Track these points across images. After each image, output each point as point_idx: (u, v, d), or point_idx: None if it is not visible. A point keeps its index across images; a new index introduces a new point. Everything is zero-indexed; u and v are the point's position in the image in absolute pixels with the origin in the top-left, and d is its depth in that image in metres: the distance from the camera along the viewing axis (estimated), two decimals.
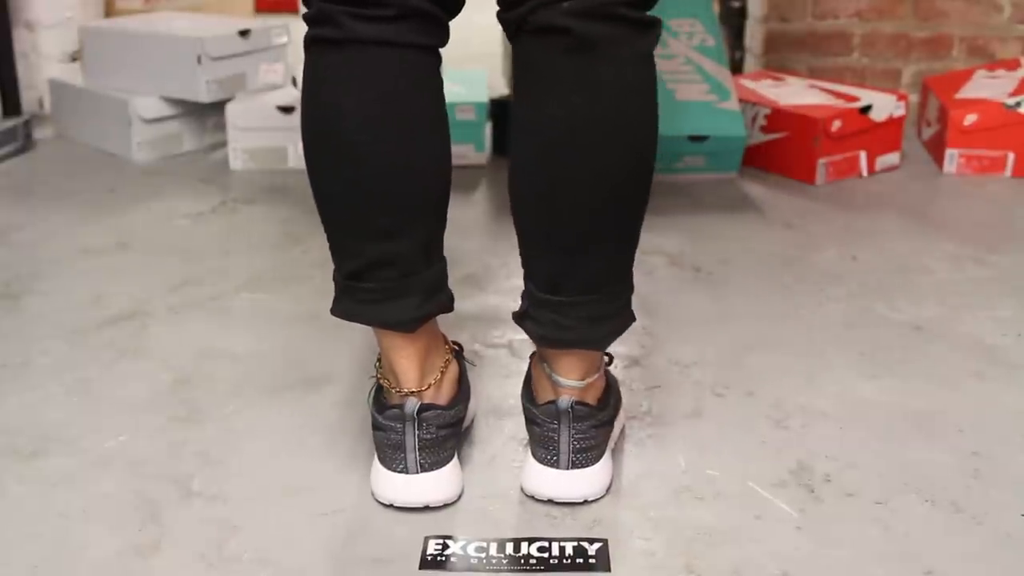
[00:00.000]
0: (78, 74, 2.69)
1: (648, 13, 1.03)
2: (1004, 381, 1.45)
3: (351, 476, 1.22)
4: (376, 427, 1.15)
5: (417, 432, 1.12)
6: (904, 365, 1.50)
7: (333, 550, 1.09)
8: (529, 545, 1.09)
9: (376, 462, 1.16)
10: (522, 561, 1.07)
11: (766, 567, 1.07)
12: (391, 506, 1.15)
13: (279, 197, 2.24)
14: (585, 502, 1.16)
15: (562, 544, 1.09)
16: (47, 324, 1.62)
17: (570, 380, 1.15)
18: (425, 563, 1.07)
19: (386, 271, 1.10)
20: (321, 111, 1.06)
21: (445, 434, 1.15)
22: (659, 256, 1.91)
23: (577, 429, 1.14)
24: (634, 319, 1.18)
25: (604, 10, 0.99)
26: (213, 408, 1.38)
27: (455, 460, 1.18)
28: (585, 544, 1.09)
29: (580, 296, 1.10)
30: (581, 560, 1.07)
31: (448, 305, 1.16)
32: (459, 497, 1.17)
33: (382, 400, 1.17)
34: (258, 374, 1.46)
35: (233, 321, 1.64)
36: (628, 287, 1.16)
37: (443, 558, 1.07)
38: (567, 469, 1.14)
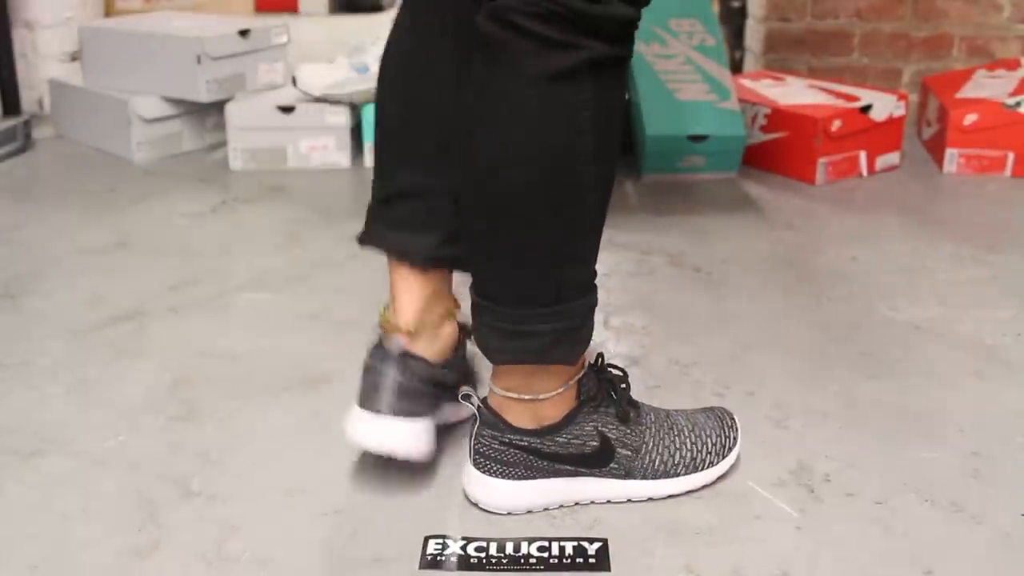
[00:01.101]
0: (78, 74, 2.69)
1: (563, 35, 0.96)
2: (1004, 381, 1.45)
3: (351, 476, 1.22)
4: (363, 369, 1.17)
5: (397, 375, 1.14)
6: (904, 365, 1.50)
7: (333, 550, 1.09)
8: (529, 545, 1.09)
9: (354, 404, 1.17)
10: (522, 561, 1.07)
11: (766, 567, 1.07)
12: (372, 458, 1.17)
13: (279, 197, 2.24)
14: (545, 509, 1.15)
15: (562, 544, 1.09)
16: (46, 324, 1.62)
17: (494, 383, 1.13)
18: (425, 563, 1.07)
19: (413, 202, 1.16)
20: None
21: (426, 389, 1.16)
22: (659, 256, 1.91)
23: (477, 431, 1.13)
24: (560, 361, 1.08)
25: (506, 16, 0.97)
26: (213, 408, 1.37)
27: (430, 422, 1.18)
28: (585, 544, 1.09)
29: (480, 299, 1.09)
30: (581, 560, 1.07)
31: (465, 264, 1.15)
32: (424, 459, 1.18)
33: (374, 343, 1.19)
34: (258, 374, 1.46)
35: (233, 321, 1.64)
36: (531, 314, 1.06)
37: (443, 558, 1.07)
38: (471, 466, 1.15)
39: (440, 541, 1.09)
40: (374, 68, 2.49)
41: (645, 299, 1.72)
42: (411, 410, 1.15)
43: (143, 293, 1.73)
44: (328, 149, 2.44)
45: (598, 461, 1.14)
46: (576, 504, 1.16)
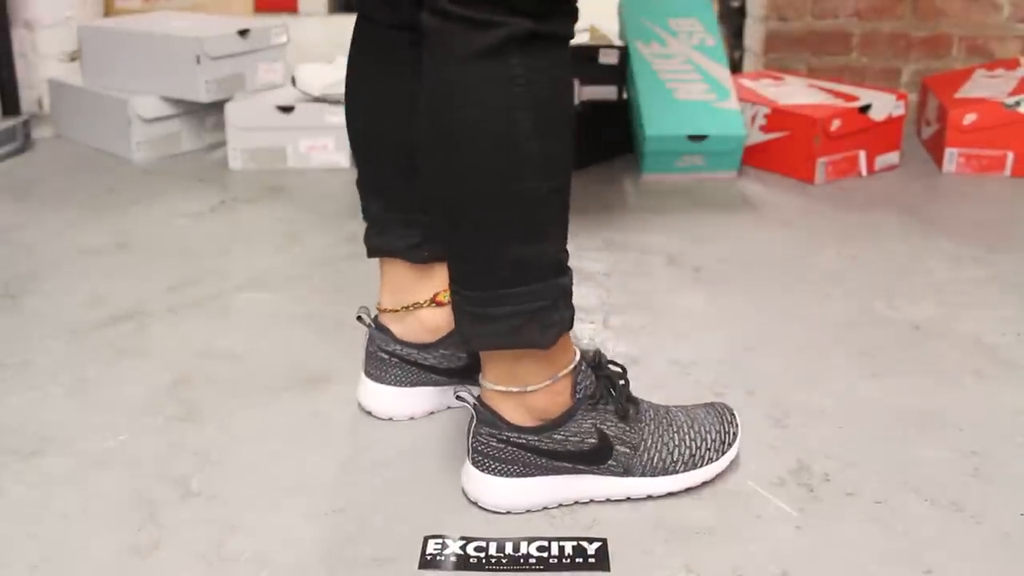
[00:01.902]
0: (77, 74, 2.69)
1: (481, 14, 0.99)
2: (1003, 380, 1.45)
3: (351, 476, 1.22)
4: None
5: (366, 342, 1.32)
6: (903, 364, 1.50)
7: (332, 550, 1.09)
8: (528, 545, 1.09)
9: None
10: (521, 561, 1.07)
11: (766, 566, 1.07)
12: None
13: (278, 197, 2.24)
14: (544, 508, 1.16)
15: (561, 543, 1.09)
16: (46, 324, 1.62)
17: (482, 377, 1.15)
18: (424, 563, 1.07)
19: (392, 214, 1.27)
20: None
21: (390, 360, 1.30)
22: (658, 255, 1.90)
23: (475, 429, 1.14)
24: (531, 345, 1.08)
25: (437, 5, 1.01)
26: (212, 408, 1.37)
27: (401, 389, 1.31)
28: (584, 544, 1.09)
29: (451, 284, 1.11)
30: (580, 560, 1.07)
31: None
32: (392, 419, 1.32)
33: None
34: (258, 374, 1.46)
35: (232, 321, 1.64)
36: (495, 296, 1.07)
37: (442, 558, 1.07)
38: (470, 465, 1.16)
39: (439, 541, 1.09)
40: None
41: (644, 299, 1.72)
42: (376, 375, 1.32)
43: (143, 293, 1.73)
44: (328, 149, 2.44)
45: (597, 458, 1.15)
46: (575, 503, 1.16)
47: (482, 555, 1.08)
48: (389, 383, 1.32)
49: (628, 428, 1.15)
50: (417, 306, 1.29)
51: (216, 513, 1.15)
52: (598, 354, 1.16)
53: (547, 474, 1.14)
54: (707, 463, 1.18)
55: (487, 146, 1.02)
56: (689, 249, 1.93)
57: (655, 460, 1.16)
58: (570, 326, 1.11)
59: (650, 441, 1.16)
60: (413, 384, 1.32)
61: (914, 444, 1.29)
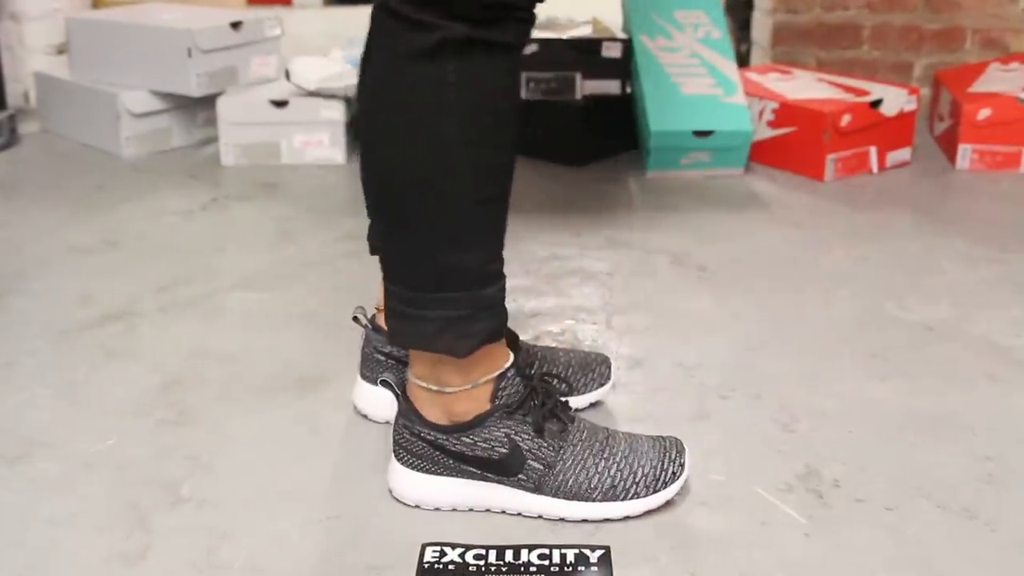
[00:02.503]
0: (65, 67, 2.69)
1: (421, 15, 1.00)
2: (1018, 383, 1.45)
3: (346, 481, 1.22)
4: None
5: (363, 344, 1.33)
6: (915, 366, 1.50)
7: (327, 558, 1.09)
8: (529, 552, 1.09)
9: None
10: (522, 569, 1.07)
11: (773, 575, 1.07)
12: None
13: (272, 194, 2.24)
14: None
15: (563, 551, 1.09)
16: (33, 324, 1.62)
17: (408, 369, 1.17)
18: (422, 571, 1.07)
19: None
20: None
21: (386, 362, 1.31)
22: (662, 255, 1.90)
23: (395, 419, 1.17)
24: (446, 351, 1.10)
25: (387, 1, 1.03)
26: (204, 411, 1.37)
27: (380, 389, 1.28)
28: (587, 551, 1.09)
29: (384, 280, 1.13)
30: (583, 568, 1.07)
31: None
32: (388, 422, 1.30)
33: None
34: (251, 376, 1.46)
35: (225, 321, 1.64)
36: (419, 298, 1.09)
37: (440, 566, 1.07)
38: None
39: (437, 548, 1.09)
40: None
41: (648, 299, 1.72)
42: (372, 377, 1.32)
43: (132, 293, 1.73)
44: (322, 144, 2.44)
45: (505, 469, 1.14)
46: (488, 510, 1.16)
47: (481, 563, 1.08)
48: (377, 386, 1.32)
49: (545, 444, 1.14)
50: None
51: (207, 519, 1.15)
52: (532, 365, 1.18)
53: (456, 476, 1.16)
54: (630, 497, 1.15)
55: (414, 150, 1.05)
56: (694, 248, 1.93)
57: (570, 482, 1.14)
58: (495, 338, 1.12)
59: (569, 462, 1.15)
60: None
61: (926, 449, 1.29)
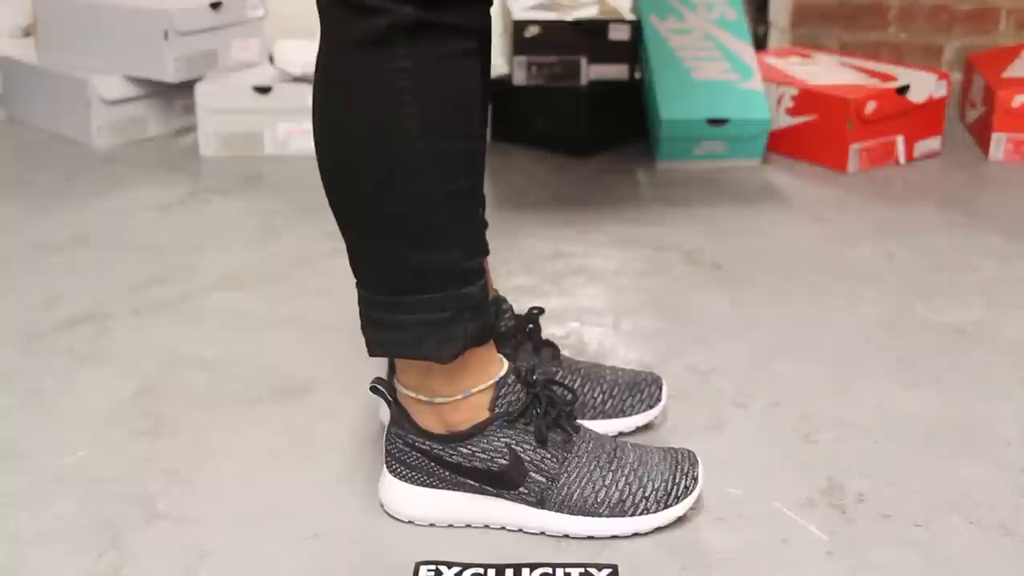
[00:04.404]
0: (32, 50, 2.69)
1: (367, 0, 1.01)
2: None
3: (335, 496, 1.22)
4: None
5: None
6: (946, 372, 1.50)
7: None
8: (531, 571, 1.09)
9: None
10: None
11: None
12: None
13: (255, 187, 2.25)
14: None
15: (567, 571, 1.09)
16: None
17: (396, 378, 1.17)
18: None
19: None
20: None
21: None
22: (674, 252, 1.91)
23: (388, 427, 1.17)
24: (431, 357, 1.10)
25: None
26: (181, 421, 1.38)
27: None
28: (593, 571, 1.09)
29: (357, 287, 1.13)
30: None
31: None
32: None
33: None
34: (231, 383, 1.47)
35: (204, 324, 1.64)
36: (396, 303, 1.10)
37: None
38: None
39: (433, 568, 1.09)
40: None
41: (659, 300, 1.72)
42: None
43: (104, 293, 1.73)
44: (308, 134, 2.43)
45: (506, 482, 1.14)
46: (487, 527, 1.16)
47: None
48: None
49: (548, 455, 1.14)
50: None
51: (185, 537, 1.15)
52: (534, 371, 1.17)
53: (452, 489, 1.16)
54: (639, 513, 1.14)
55: (372, 143, 1.05)
56: (708, 245, 1.93)
57: (575, 496, 1.14)
58: (481, 341, 1.12)
59: (574, 475, 1.15)
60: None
61: (957, 461, 1.29)
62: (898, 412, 1.40)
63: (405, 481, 1.16)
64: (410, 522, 1.17)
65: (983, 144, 2.46)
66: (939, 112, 2.42)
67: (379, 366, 1.47)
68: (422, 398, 1.14)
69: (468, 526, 1.16)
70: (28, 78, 2.61)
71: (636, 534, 1.14)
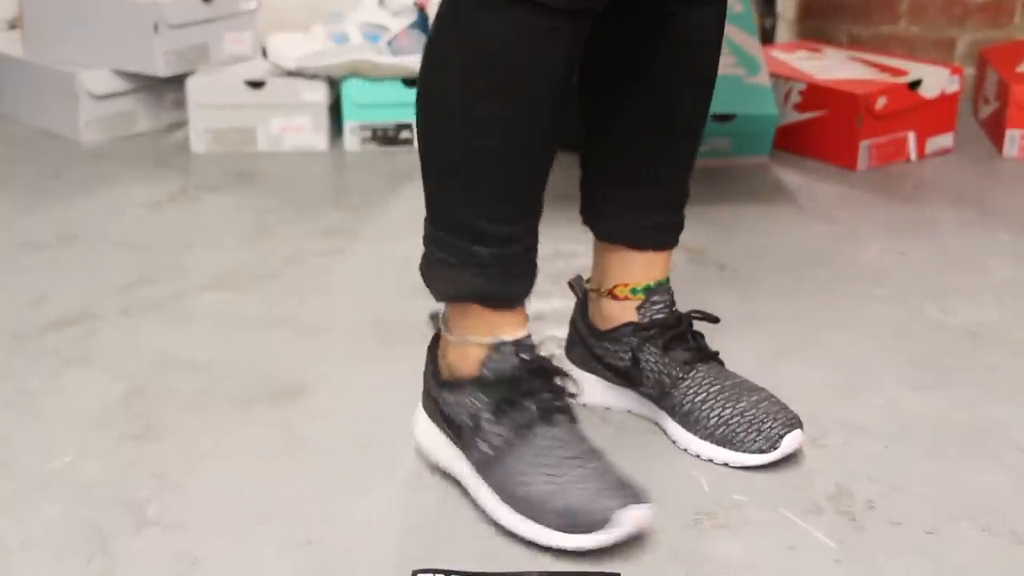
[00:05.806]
0: (18, 43, 2.69)
1: None
2: None
3: (329, 501, 1.22)
4: None
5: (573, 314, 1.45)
6: (958, 375, 1.50)
7: None
8: None
9: None
10: None
11: None
12: None
13: (247, 184, 2.25)
14: None
15: None
16: None
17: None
18: None
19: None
20: None
21: (575, 336, 1.43)
22: (678, 251, 1.89)
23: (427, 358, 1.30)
24: (429, 287, 1.23)
25: None
26: (172, 424, 1.38)
27: (577, 370, 1.39)
28: None
29: None
30: None
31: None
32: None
33: None
34: (223, 384, 1.47)
35: (194, 325, 1.64)
36: (426, 231, 1.24)
37: None
38: None
39: (430, 575, 1.09)
40: (353, 37, 2.49)
41: None
42: (566, 348, 1.46)
43: (92, 293, 1.73)
44: (303, 130, 2.44)
45: (464, 440, 1.20)
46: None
47: None
48: (572, 360, 1.43)
49: (496, 431, 1.17)
50: (597, 292, 1.39)
51: (176, 543, 1.15)
52: (532, 349, 1.20)
53: (440, 431, 1.24)
54: (544, 525, 1.13)
55: (425, 89, 1.16)
56: (714, 244, 1.93)
57: (518, 489, 1.14)
58: (480, 300, 1.18)
59: (511, 461, 1.15)
60: (588, 369, 1.40)
61: (970, 466, 1.29)
62: (908, 416, 1.40)
63: (425, 412, 1.26)
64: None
65: (997, 141, 2.46)
66: (951, 108, 2.42)
67: (373, 366, 1.47)
68: (441, 328, 1.24)
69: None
70: (14, 72, 2.61)
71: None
